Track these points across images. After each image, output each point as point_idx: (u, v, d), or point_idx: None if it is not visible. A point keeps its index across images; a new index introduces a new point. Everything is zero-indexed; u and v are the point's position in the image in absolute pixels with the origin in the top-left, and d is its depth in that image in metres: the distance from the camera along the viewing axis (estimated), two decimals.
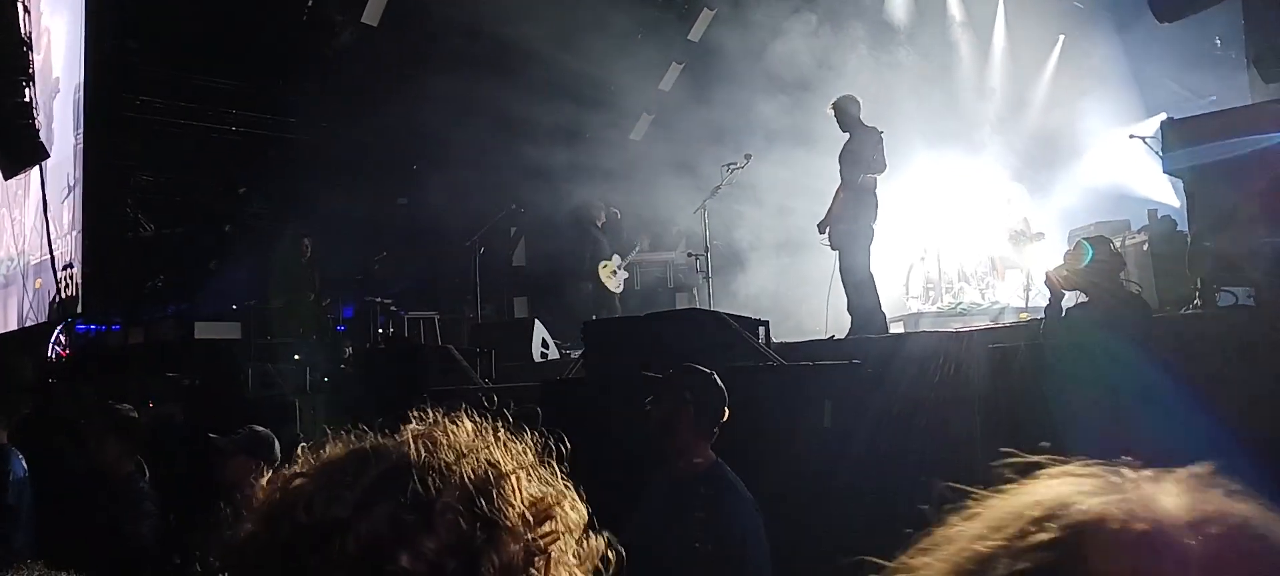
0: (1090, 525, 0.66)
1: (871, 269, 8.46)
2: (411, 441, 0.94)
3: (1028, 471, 0.74)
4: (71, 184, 11.16)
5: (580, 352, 8.08)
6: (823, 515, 4.76)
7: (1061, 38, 13.46)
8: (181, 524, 4.98)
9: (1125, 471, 0.70)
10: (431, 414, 0.99)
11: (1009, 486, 0.73)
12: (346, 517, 0.86)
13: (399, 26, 12.33)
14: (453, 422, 0.97)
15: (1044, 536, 0.66)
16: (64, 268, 11.86)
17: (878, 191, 8.54)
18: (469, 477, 0.91)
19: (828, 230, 8.62)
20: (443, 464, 0.91)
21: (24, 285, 11.87)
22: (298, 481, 0.93)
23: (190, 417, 8.94)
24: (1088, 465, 0.72)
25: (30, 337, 12.47)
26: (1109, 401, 4.67)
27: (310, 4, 12.15)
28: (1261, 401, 4.56)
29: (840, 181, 8.58)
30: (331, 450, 0.96)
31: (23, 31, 9.09)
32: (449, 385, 8.36)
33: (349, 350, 11.72)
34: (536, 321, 11.27)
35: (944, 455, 5.25)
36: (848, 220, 8.45)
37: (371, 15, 12.07)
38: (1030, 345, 5.83)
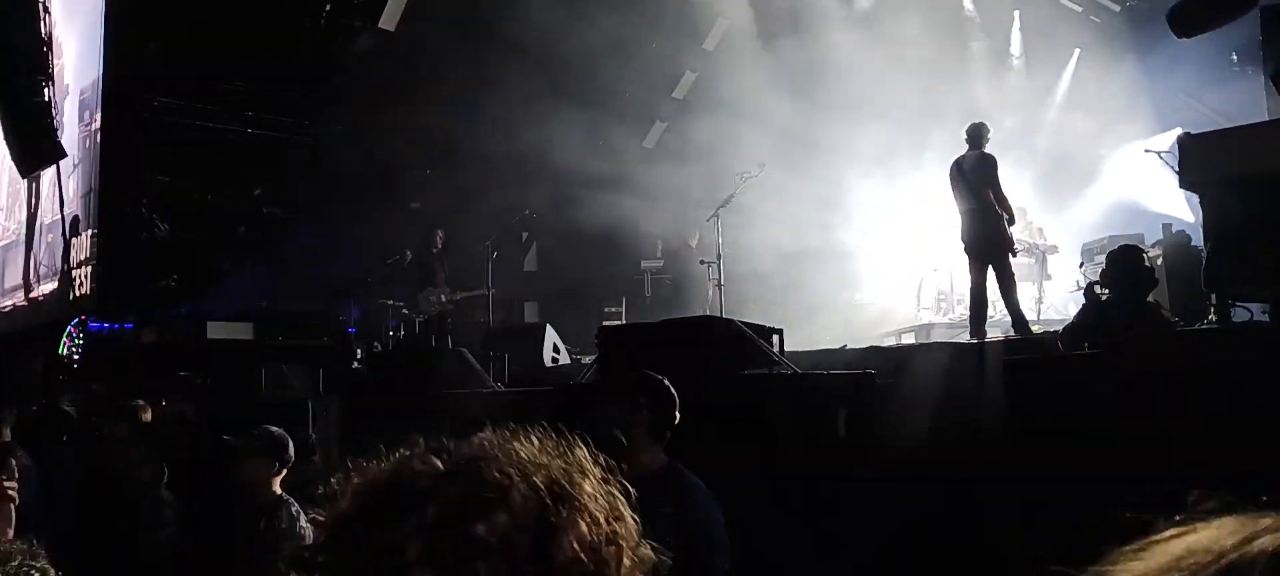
0: None
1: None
2: (483, 441, 0.98)
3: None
4: (77, 162, 11.66)
5: (593, 358, 8.09)
6: (837, 523, 4.76)
7: (1077, 51, 13.44)
8: (197, 525, 4.95)
9: None
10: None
11: (1182, 527, 0.70)
12: (425, 489, 0.91)
13: (415, 32, 12.38)
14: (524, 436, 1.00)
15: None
16: (77, 266, 12.04)
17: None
18: (549, 473, 0.95)
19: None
20: (520, 459, 0.95)
21: (36, 242, 12.58)
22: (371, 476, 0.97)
23: (203, 417, 8.95)
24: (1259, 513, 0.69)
25: (41, 335, 12.55)
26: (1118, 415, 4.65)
27: (328, 9, 12.21)
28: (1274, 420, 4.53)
29: (974, 197, 8.85)
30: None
31: (44, 32, 9.17)
32: (462, 388, 8.38)
33: (360, 351, 11.73)
34: (547, 326, 11.28)
35: (957, 467, 5.25)
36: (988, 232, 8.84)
37: (388, 20, 12.13)
38: (1044, 358, 5.82)
